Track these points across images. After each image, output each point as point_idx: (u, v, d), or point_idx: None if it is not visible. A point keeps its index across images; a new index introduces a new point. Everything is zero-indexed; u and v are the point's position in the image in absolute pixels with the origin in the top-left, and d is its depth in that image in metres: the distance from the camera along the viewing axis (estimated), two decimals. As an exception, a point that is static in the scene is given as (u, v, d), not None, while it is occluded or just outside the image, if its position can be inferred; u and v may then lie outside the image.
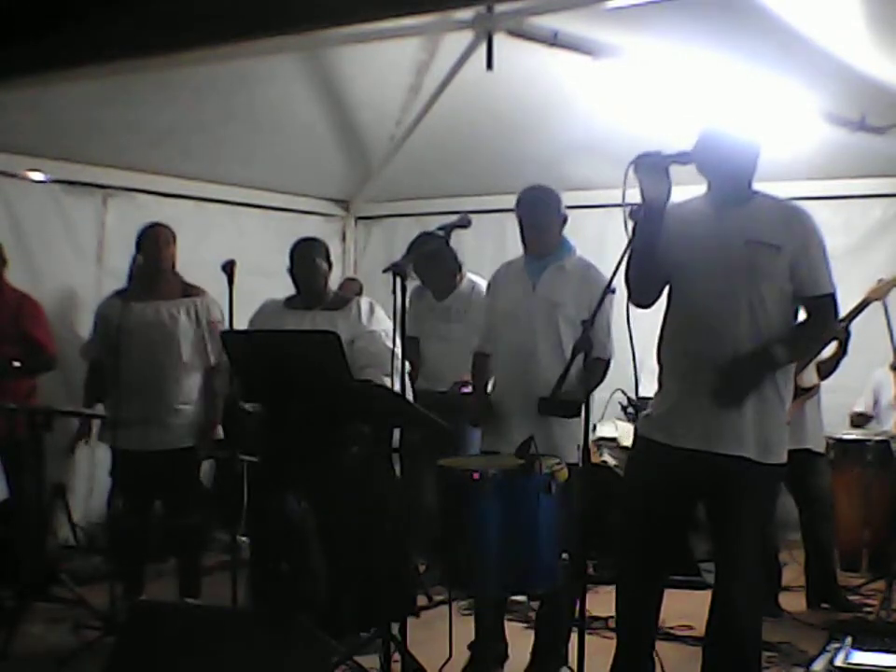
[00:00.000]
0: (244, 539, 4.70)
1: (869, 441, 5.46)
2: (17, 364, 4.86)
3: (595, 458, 5.54)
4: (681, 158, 3.14)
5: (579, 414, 3.49)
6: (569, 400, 3.62)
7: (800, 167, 5.47)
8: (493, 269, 4.24)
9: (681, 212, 3.23)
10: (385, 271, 3.51)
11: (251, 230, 6.77)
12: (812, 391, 4.80)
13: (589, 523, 3.45)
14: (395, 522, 3.83)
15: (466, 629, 3.96)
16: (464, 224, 3.76)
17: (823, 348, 4.66)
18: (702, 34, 4.58)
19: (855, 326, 4.82)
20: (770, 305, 3.16)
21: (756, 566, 3.25)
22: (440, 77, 5.62)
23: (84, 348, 4.98)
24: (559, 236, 3.98)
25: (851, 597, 5.02)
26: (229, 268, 4.03)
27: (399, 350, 3.60)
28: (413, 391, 5.05)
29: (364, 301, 4.37)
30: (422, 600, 4.85)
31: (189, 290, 4.70)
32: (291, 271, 4.37)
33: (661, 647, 3.48)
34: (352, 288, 6.47)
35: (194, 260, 4.98)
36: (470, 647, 3.97)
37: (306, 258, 4.35)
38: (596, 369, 3.69)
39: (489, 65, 5.02)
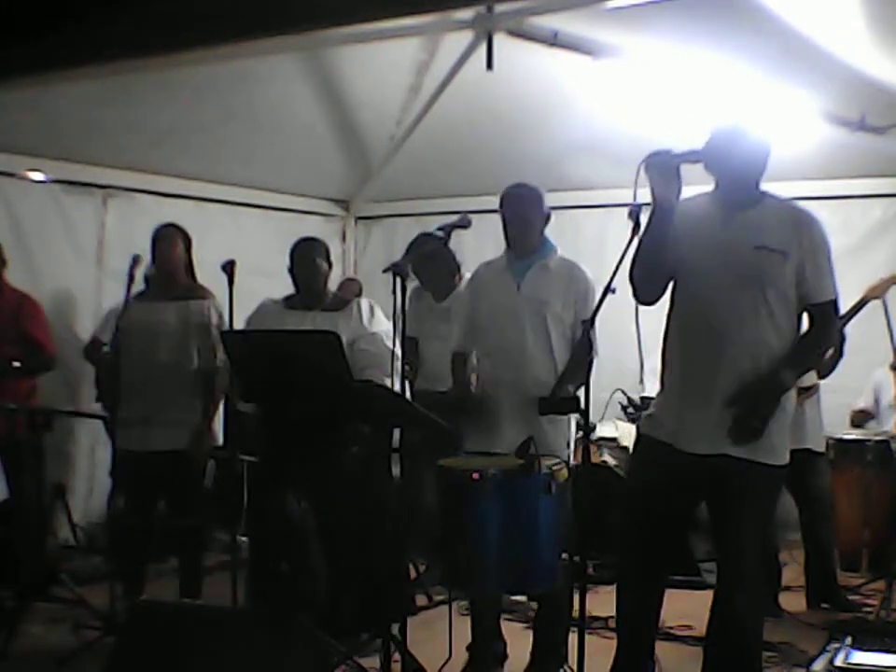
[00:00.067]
0: (244, 538, 4.70)
1: (869, 441, 5.46)
2: (17, 364, 4.86)
3: (595, 458, 5.54)
4: (692, 157, 3.14)
5: (576, 410, 3.49)
6: (569, 398, 3.64)
7: (800, 167, 5.47)
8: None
9: (688, 209, 3.23)
10: (384, 271, 3.51)
11: (251, 230, 6.77)
12: (812, 390, 4.80)
13: (589, 523, 3.45)
14: (395, 522, 3.83)
15: (466, 629, 3.96)
16: (464, 224, 3.76)
17: (826, 353, 4.66)
18: (702, 34, 4.58)
19: (855, 325, 4.82)
20: (775, 311, 3.17)
21: (757, 566, 3.25)
22: (440, 77, 5.62)
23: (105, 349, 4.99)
24: (542, 235, 3.97)
25: (851, 597, 5.02)
26: (229, 268, 4.04)
27: (399, 351, 3.60)
28: (412, 391, 5.05)
29: (364, 303, 4.37)
30: (422, 600, 4.85)
31: (196, 292, 4.70)
32: (291, 270, 4.37)
33: (661, 647, 3.48)
34: (352, 289, 6.47)
35: (194, 260, 4.98)
36: (469, 648, 3.97)
37: (306, 258, 4.35)
38: (588, 368, 3.69)
39: (489, 65, 5.02)
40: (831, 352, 4.87)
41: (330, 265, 4.43)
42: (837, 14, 4.34)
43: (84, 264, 5.97)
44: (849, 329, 4.80)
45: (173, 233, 4.70)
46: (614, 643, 3.43)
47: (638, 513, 3.36)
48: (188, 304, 4.65)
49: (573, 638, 3.39)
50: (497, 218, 3.96)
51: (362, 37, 4.78)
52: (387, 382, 3.92)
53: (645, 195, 3.13)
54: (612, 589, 3.44)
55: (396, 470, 3.75)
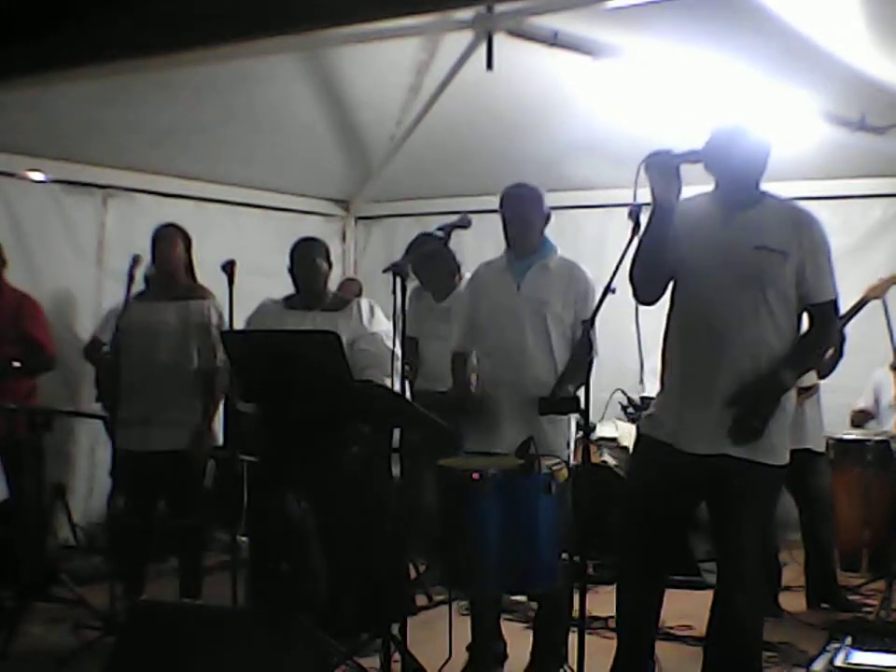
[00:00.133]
0: (244, 539, 4.70)
1: (869, 441, 5.46)
2: (17, 364, 4.86)
3: (595, 458, 5.54)
4: (692, 157, 3.14)
5: (577, 410, 3.49)
6: (569, 398, 3.64)
7: (800, 167, 5.47)
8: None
9: (688, 208, 3.23)
10: (384, 271, 3.51)
11: (251, 230, 6.77)
12: (812, 390, 4.80)
13: (589, 523, 3.45)
14: (395, 522, 3.83)
15: (466, 629, 3.96)
16: (464, 224, 3.76)
17: (826, 353, 4.66)
18: (702, 34, 4.58)
19: (855, 325, 4.82)
20: (775, 311, 3.17)
21: (757, 566, 3.25)
22: (440, 77, 5.62)
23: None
24: (541, 235, 3.97)
25: (851, 597, 5.02)
26: (229, 268, 4.04)
27: (399, 351, 3.60)
28: (412, 391, 5.05)
29: (364, 303, 4.37)
30: (422, 600, 4.85)
31: (196, 292, 4.70)
32: (291, 270, 4.37)
33: (661, 647, 3.48)
34: (352, 289, 6.47)
35: (194, 260, 4.98)
36: (469, 648, 3.97)
37: (306, 257, 4.35)
38: (588, 368, 3.69)
39: (489, 65, 5.02)
40: (830, 352, 4.87)
41: (330, 265, 4.43)
42: (837, 14, 4.34)
43: (84, 264, 5.97)
44: (849, 328, 4.80)
45: (173, 233, 4.71)
46: (614, 643, 3.43)
47: (638, 513, 3.36)
48: (188, 304, 4.65)
49: (573, 638, 3.39)
50: (496, 218, 3.96)
51: (362, 37, 4.79)
52: (387, 382, 3.92)
53: (645, 195, 3.13)
54: (612, 589, 3.44)
55: (396, 470, 3.75)
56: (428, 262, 4.92)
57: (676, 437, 3.25)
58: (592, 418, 3.37)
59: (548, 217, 3.97)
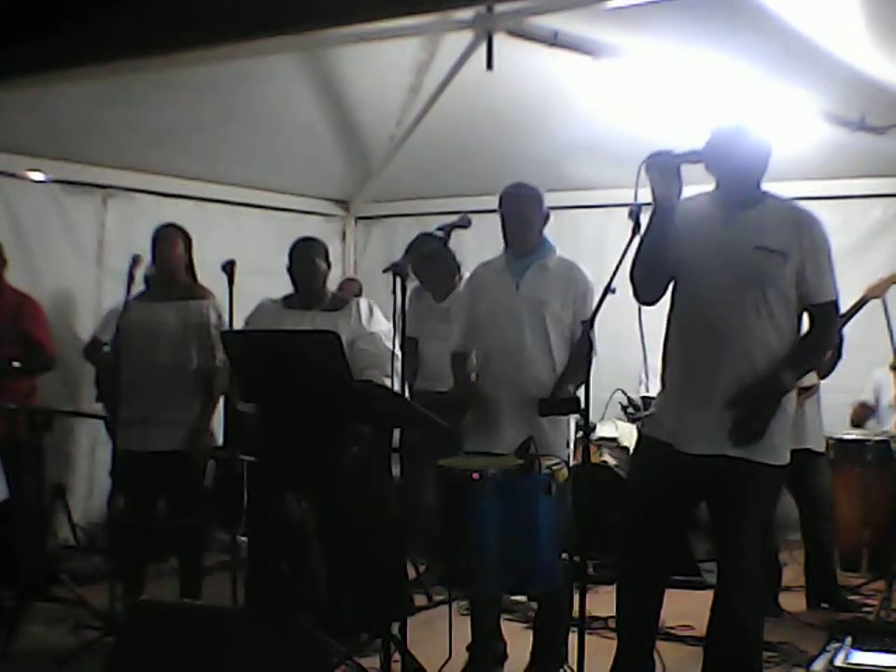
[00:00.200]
0: (244, 539, 4.70)
1: (869, 441, 5.46)
2: (17, 364, 4.86)
3: (595, 458, 5.54)
4: (692, 157, 3.14)
5: (577, 411, 3.49)
6: (569, 399, 3.64)
7: (800, 167, 5.47)
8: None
9: (688, 208, 3.23)
10: (384, 271, 3.51)
11: (251, 230, 6.77)
12: (812, 390, 4.79)
13: (589, 523, 3.45)
14: (395, 522, 3.83)
15: (466, 629, 3.96)
16: (464, 224, 3.76)
17: (827, 353, 4.66)
18: (702, 34, 4.58)
19: (855, 325, 4.81)
20: (775, 311, 3.17)
21: (757, 566, 3.25)
22: (440, 77, 5.62)
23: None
24: (540, 235, 3.97)
25: (851, 597, 5.02)
26: (229, 268, 4.04)
27: (399, 351, 3.60)
28: (412, 392, 5.05)
29: (363, 302, 4.37)
30: (422, 600, 4.85)
31: (196, 292, 4.70)
32: (290, 270, 4.37)
33: (661, 647, 3.47)
34: (352, 289, 6.47)
35: (194, 260, 4.98)
36: (469, 648, 3.97)
37: (305, 257, 4.35)
38: (588, 368, 3.69)
39: (489, 65, 5.03)
40: (829, 352, 4.88)
41: (329, 265, 4.43)
42: (837, 14, 4.34)
43: (84, 264, 5.97)
44: (849, 328, 4.80)
45: (173, 233, 4.70)
46: (614, 643, 3.43)
47: (639, 513, 3.36)
48: (187, 304, 4.65)
49: (573, 638, 3.39)
50: (496, 218, 3.95)
51: (362, 37, 4.79)
52: (387, 381, 3.92)
53: (646, 195, 3.13)
54: (612, 589, 3.44)
55: (396, 470, 3.75)
56: (428, 262, 4.92)
57: (676, 437, 3.25)
58: (592, 418, 3.37)
59: (547, 217, 3.96)
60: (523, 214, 3.90)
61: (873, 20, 4.35)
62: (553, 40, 5.02)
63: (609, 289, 3.17)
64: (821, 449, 4.99)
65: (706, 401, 3.19)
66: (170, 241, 4.68)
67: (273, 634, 3.04)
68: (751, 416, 3.13)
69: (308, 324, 4.24)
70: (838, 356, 4.86)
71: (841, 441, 5.49)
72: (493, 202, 4.01)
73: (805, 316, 3.27)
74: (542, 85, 5.52)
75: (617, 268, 3.12)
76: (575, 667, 3.19)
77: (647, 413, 3.47)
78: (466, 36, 5.21)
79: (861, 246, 6.06)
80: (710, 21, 4.44)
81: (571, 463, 3.76)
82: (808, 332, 3.28)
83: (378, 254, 7.41)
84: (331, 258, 4.48)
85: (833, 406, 5.21)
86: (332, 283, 4.69)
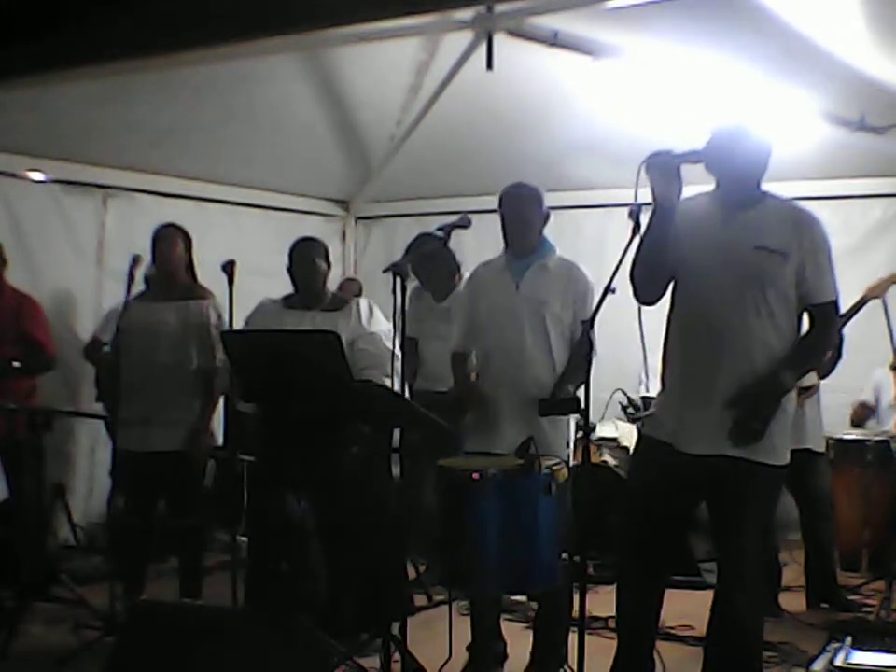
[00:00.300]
0: (244, 538, 4.70)
1: (869, 440, 5.45)
2: (17, 364, 4.86)
3: (595, 458, 5.54)
4: (692, 157, 3.15)
5: (577, 411, 3.49)
6: (569, 399, 3.64)
7: (800, 167, 5.47)
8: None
9: (688, 208, 3.23)
10: (385, 271, 3.51)
11: (251, 230, 6.77)
12: (812, 390, 4.79)
13: (589, 523, 3.45)
14: (395, 522, 3.83)
15: (466, 629, 3.96)
16: (464, 224, 3.76)
17: (827, 353, 4.66)
18: (702, 34, 4.58)
19: (855, 325, 4.81)
20: (775, 311, 3.17)
21: (757, 566, 3.25)
22: (440, 77, 5.62)
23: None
24: (540, 235, 3.97)
25: (851, 597, 5.02)
26: (229, 268, 4.04)
27: (398, 351, 3.60)
28: (411, 392, 5.05)
29: (363, 302, 4.37)
30: (422, 600, 4.85)
31: (196, 292, 4.70)
32: (290, 270, 4.37)
33: (661, 647, 3.47)
34: (352, 289, 6.47)
35: (195, 260, 4.98)
36: (469, 648, 3.97)
37: (305, 257, 4.35)
38: (588, 368, 3.69)
39: (489, 65, 5.02)
40: (829, 352, 4.88)
41: (329, 265, 4.43)
42: (837, 14, 4.34)
43: (84, 264, 5.97)
44: (849, 328, 4.79)
45: (173, 233, 4.70)
46: (614, 643, 3.43)
47: (639, 513, 3.36)
48: (187, 304, 4.65)
49: (573, 638, 3.39)
50: (496, 218, 3.95)
51: (362, 37, 4.78)
52: (387, 382, 3.92)
53: (645, 195, 3.13)
54: (612, 589, 3.44)
55: (396, 470, 3.75)
56: (428, 262, 4.92)
57: (676, 437, 3.25)
58: (592, 418, 3.37)
59: (547, 217, 3.96)
60: (523, 214, 3.90)
61: (873, 20, 4.35)
62: (553, 40, 5.02)
63: (608, 289, 3.17)
64: (821, 449, 4.99)
65: (705, 401, 3.19)
66: (170, 241, 4.68)
67: (273, 634, 3.04)
68: (751, 417, 3.13)
69: (308, 324, 4.24)
70: (838, 356, 4.86)
71: (841, 441, 5.49)
72: (493, 202, 4.01)
73: (805, 316, 3.27)
74: (542, 85, 5.52)
75: (617, 268, 3.12)
76: (575, 667, 3.19)
77: (647, 412, 3.47)
78: (466, 36, 5.21)
79: (860, 246, 6.06)
80: (710, 21, 4.44)
81: (571, 463, 3.77)
82: (808, 332, 3.28)
83: (378, 254, 7.41)
84: (331, 258, 4.48)
85: (833, 406, 5.21)
86: (332, 283, 4.69)
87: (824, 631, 4.30)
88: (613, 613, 3.47)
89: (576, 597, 3.26)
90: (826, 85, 5.04)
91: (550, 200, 3.98)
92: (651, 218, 3.18)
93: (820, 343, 3.36)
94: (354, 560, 4.17)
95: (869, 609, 4.85)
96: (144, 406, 4.51)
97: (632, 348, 3.91)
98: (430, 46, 5.36)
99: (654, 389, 3.53)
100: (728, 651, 3.26)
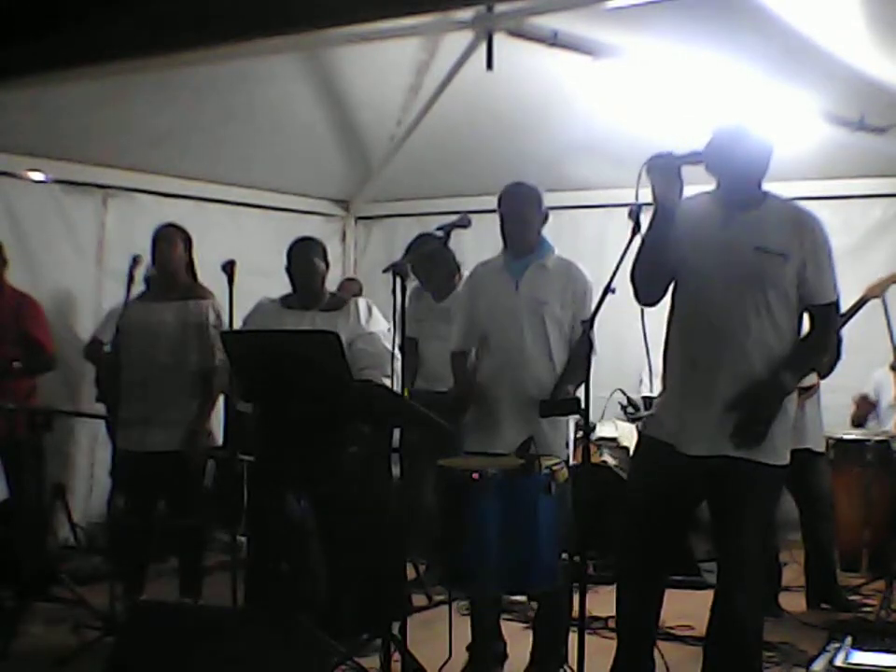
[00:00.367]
0: (244, 538, 4.70)
1: (869, 440, 5.45)
2: (17, 364, 4.86)
3: (595, 458, 5.54)
4: (693, 158, 3.15)
5: (577, 411, 3.48)
6: (569, 399, 3.64)
7: (800, 167, 5.47)
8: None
9: (689, 208, 3.23)
10: (384, 271, 3.51)
11: (251, 230, 6.77)
12: (812, 390, 4.80)
13: (589, 523, 3.45)
14: (395, 522, 3.83)
15: (466, 629, 3.96)
16: (464, 224, 3.76)
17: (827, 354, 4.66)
18: (702, 34, 4.58)
19: (855, 325, 4.82)
20: (776, 312, 3.17)
21: (758, 566, 3.25)
22: (440, 77, 5.62)
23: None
24: (539, 234, 3.97)
25: (851, 597, 5.02)
26: (229, 268, 4.04)
27: (398, 351, 3.60)
28: (411, 392, 5.05)
29: (362, 302, 4.37)
30: (422, 600, 4.85)
31: (195, 292, 4.70)
32: (288, 270, 4.37)
33: (661, 647, 3.47)
34: (351, 289, 6.47)
35: (195, 260, 4.98)
36: (469, 648, 3.97)
37: (303, 257, 4.35)
38: (587, 368, 3.69)
39: (489, 65, 5.03)
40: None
41: (328, 265, 4.43)
42: (837, 14, 4.34)
43: (84, 264, 5.97)
44: (849, 328, 4.79)
45: (173, 233, 4.71)
46: (614, 643, 3.43)
47: (639, 514, 3.36)
48: (187, 304, 4.65)
49: (573, 638, 3.39)
50: (496, 218, 3.95)
51: (362, 37, 4.79)
52: (386, 382, 3.92)
53: (646, 195, 3.13)
54: (612, 589, 3.44)
55: (396, 470, 3.75)
56: (428, 262, 4.93)
57: (677, 438, 3.24)
58: (592, 418, 3.37)
59: (546, 217, 3.96)
60: (522, 213, 3.90)
61: (873, 20, 4.35)
62: (553, 40, 5.02)
63: (608, 289, 3.17)
64: (821, 449, 4.99)
65: (706, 402, 3.19)
66: (170, 241, 4.68)
67: (273, 634, 3.04)
68: (753, 419, 3.13)
69: (307, 324, 4.24)
70: (837, 356, 4.85)
71: (841, 440, 5.49)
72: (493, 202, 4.00)
73: (806, 317, 3.27)
74: (542, 85, 5.52)
75: (617, 268, 3.12)
76: (575, 667, 3.19)
77: (647, 413, 3.47)
78: (466, 36, 5.21)
79: (861, 246, 6.06)
80: (710, 21, 4.44)
81: (571, 463, 3.77)
82: (809, 333, 3.28)
83: (378, 254, 7.41)
84: (331, 258, 4.48)
85: (833, 406, 5.21)
86: (332, 283, 4.69)
87: (824, 631, 4.31)
88: (613, 613, 3.46)
89: (576, 597, 3.26)
90: (826, 85, 5.04)
91: (550, 200, 3.98)
92: (652, 220, 3.18)
93: (821, 344, 3.36)
94: (354, 560, 4.17)
95: (869, 609, 4.85)
96: (144, 406, 4.51)
97: (632, 348, 3.92)
98: (430, 46, 5.37)
99: (657, 389, 3.53)
100: (728, 650, 3.26)
